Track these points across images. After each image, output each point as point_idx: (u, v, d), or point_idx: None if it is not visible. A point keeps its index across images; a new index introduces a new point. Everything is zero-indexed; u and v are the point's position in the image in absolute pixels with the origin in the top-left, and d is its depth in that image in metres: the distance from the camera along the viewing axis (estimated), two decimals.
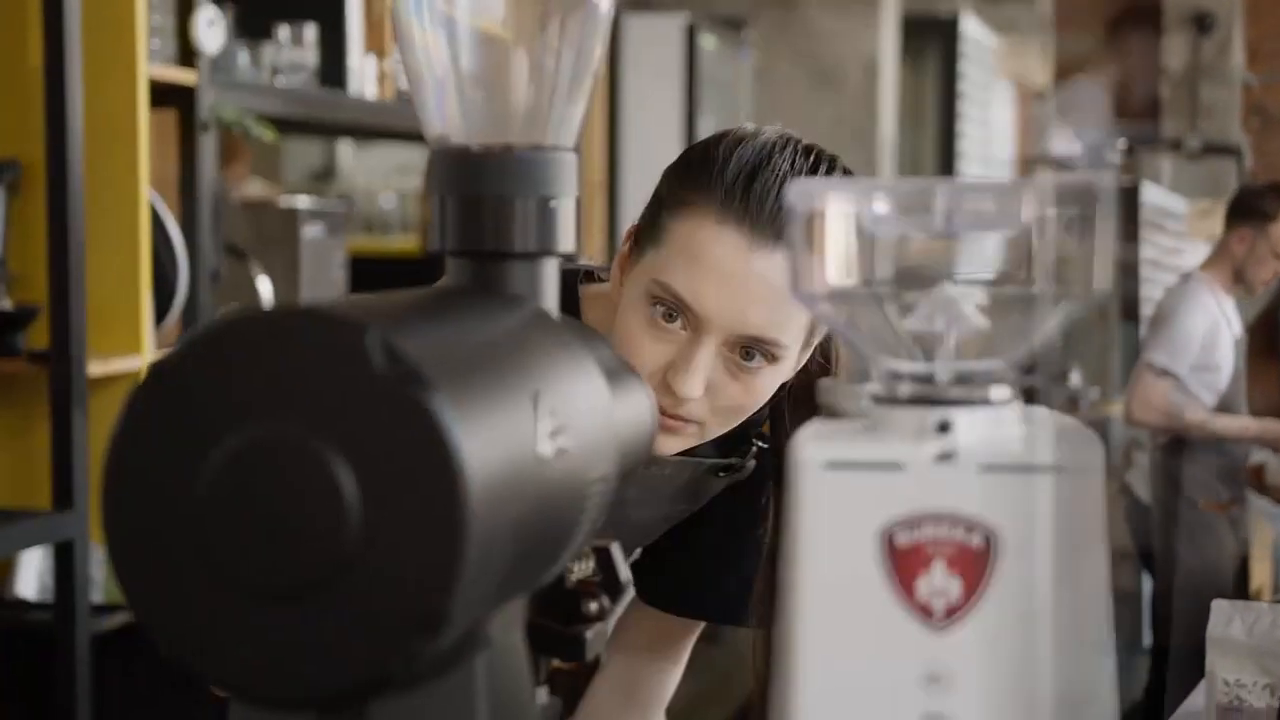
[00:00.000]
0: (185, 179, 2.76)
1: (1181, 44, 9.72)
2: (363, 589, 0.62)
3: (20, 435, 2.58)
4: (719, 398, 1.26)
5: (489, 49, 0.86)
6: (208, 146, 2.77)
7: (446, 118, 0.87)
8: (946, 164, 7.70)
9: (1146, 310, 7.51)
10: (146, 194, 2.59)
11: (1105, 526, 0.71)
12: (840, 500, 0.70)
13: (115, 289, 2.58)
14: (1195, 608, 4.47)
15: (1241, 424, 4.38)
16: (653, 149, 3.97)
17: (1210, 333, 4.24)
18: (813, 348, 1.32)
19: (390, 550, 0.62)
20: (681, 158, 1.30)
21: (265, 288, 3.05)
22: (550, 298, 0.87)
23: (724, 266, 1.22)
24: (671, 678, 1.56)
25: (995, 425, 0.73)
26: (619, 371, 0.89)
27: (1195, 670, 4.68)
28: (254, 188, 4.28)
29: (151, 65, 2.65)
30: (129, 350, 2.60)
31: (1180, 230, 8.17)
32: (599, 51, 0.88)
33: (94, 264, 2.53)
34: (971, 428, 0.72)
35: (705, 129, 5.73)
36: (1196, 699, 2.10)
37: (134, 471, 0.66)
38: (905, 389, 0.74)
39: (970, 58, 7.72)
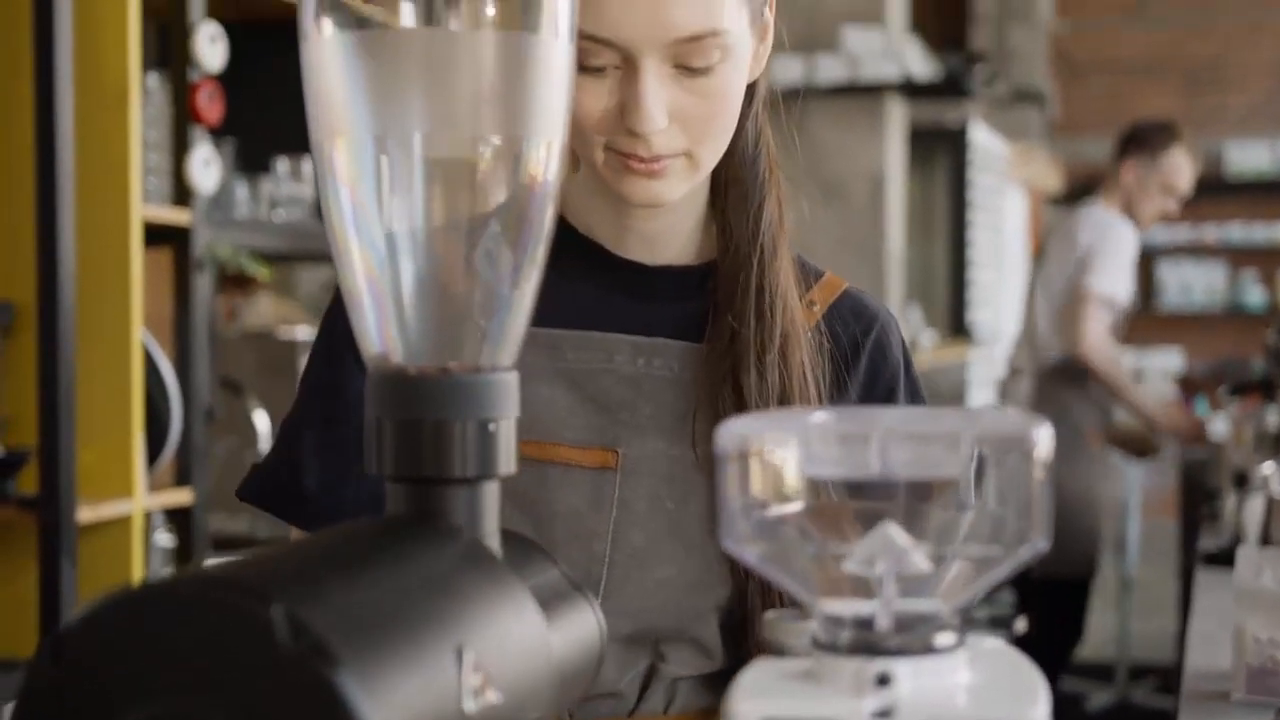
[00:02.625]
0: (180, 317, 2.76)
1: None
2: None
3: (8, 583, 2.55)
4: (688, 117, 1.14)
5: (428, 268, 0.84)
6: (203, 285, 2.76)
7: (385, 338, 0.85)
8: (958, 271, 7.70)
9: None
10: (139, 336, 2.59)
11: None
12: None
13: (107, 432, 2.57)
14: (1066, 538, 4.45)
15: (1152, 405, 4.50)
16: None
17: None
18: (770, 28, 1.23)
19: None
20: None
21: (262, 422, 3.04)
22: (490, 521, 0.84)
23: None
24: None
25: (939, 675, 0.70)
26: (562, 594, 0.86)
27: (1051, 602, 4.67)
28: (264, 305, 4.29)
29: (147, 206, 2.65)
30: (121, 494, 2.58)
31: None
32: (536, 273, 0.86)
33: (85, 407, 2.52)
34: (914, 678, 0.70)
35: None
36: (1215, 657, 1.88)
37: None
38: (845, 635, 0.71)
39: (980, 165, 7.74)
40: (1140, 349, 10.53)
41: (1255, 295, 10.35)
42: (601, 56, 1.11)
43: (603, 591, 1.18)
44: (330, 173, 0.84)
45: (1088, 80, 10.50)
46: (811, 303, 1.26)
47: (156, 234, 2.72)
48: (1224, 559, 2.73)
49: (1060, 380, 4.39)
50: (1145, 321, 10.53)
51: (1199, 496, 4.52)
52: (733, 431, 0.71)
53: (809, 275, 1.29)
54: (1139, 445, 4.84)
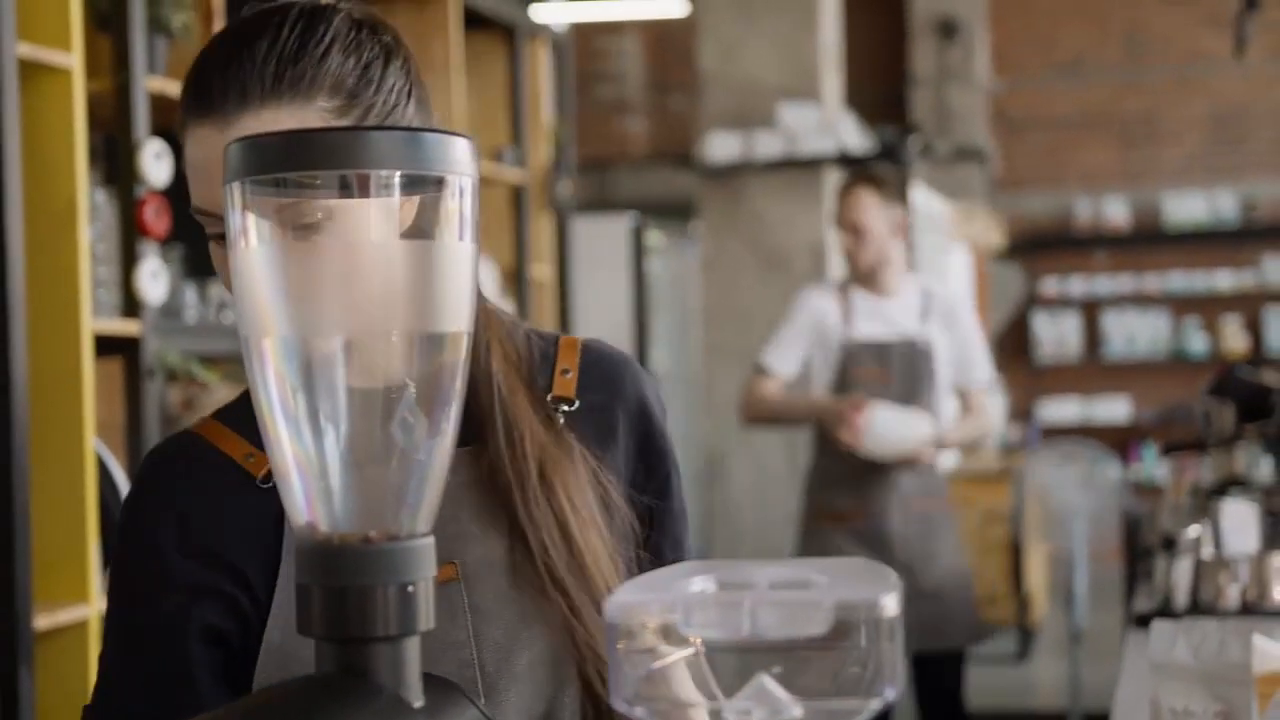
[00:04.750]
0: (132, 424, 2.83)
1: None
2: None
3: None
4: None
5: (349, 447, 0.93)
6: (153, 392, 2.84)
7: (311, 509, 0.94)
8: None
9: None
10: (92, 444, 2.66)
11: None
12: None
13: (61, 540, 2.63)
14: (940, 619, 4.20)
15: (814, 400, 4.14)
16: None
17: None
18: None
19: None
20: None
21: None
22: (412, 674, 0.93)
23: (201, 160, 1.19)
24: None
25: None
26: None
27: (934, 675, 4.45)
28: (219, 396, 4.34)
29: (97, 318, 2.73)
30: (76, 600, 2.64)
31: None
32: (449, 439, 0.95)
33: (39, 516, 2.59)
34: None
35: (655, 321, 5.84)
36: None
37: None
38: None
39: (922, 226, 7.89)
40: (1087, 398, 10.70)
41: (1198, 342, 10.54)
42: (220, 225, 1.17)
43: (482, 693, 1.26)
44: (259, 364, 0.93)
45: (1026, 136, 10.70)
46: (565, 370, 1.34)
47: (107, 344, 2.80)
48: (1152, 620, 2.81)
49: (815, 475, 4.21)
50: (1092, 371, 10.72)
51: (1138, 551, 4.58)
52: (618, 603, 0.80)
53: (548, 344, 1.36)
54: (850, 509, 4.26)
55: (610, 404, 1.34)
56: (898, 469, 4.04)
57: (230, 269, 0.94)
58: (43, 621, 2.55)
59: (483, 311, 1.30)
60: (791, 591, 0.81)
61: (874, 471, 4.01)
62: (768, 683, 0.81)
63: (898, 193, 4.11)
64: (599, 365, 1.36)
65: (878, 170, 4.26)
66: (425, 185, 0.92)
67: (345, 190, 0.92)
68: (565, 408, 1.31)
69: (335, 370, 0.91)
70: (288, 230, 0.92)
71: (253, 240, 0.91)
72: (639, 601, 0.81)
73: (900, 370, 4.09)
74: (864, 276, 4.14)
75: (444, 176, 0.92)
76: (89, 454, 2.64)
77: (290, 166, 0.91)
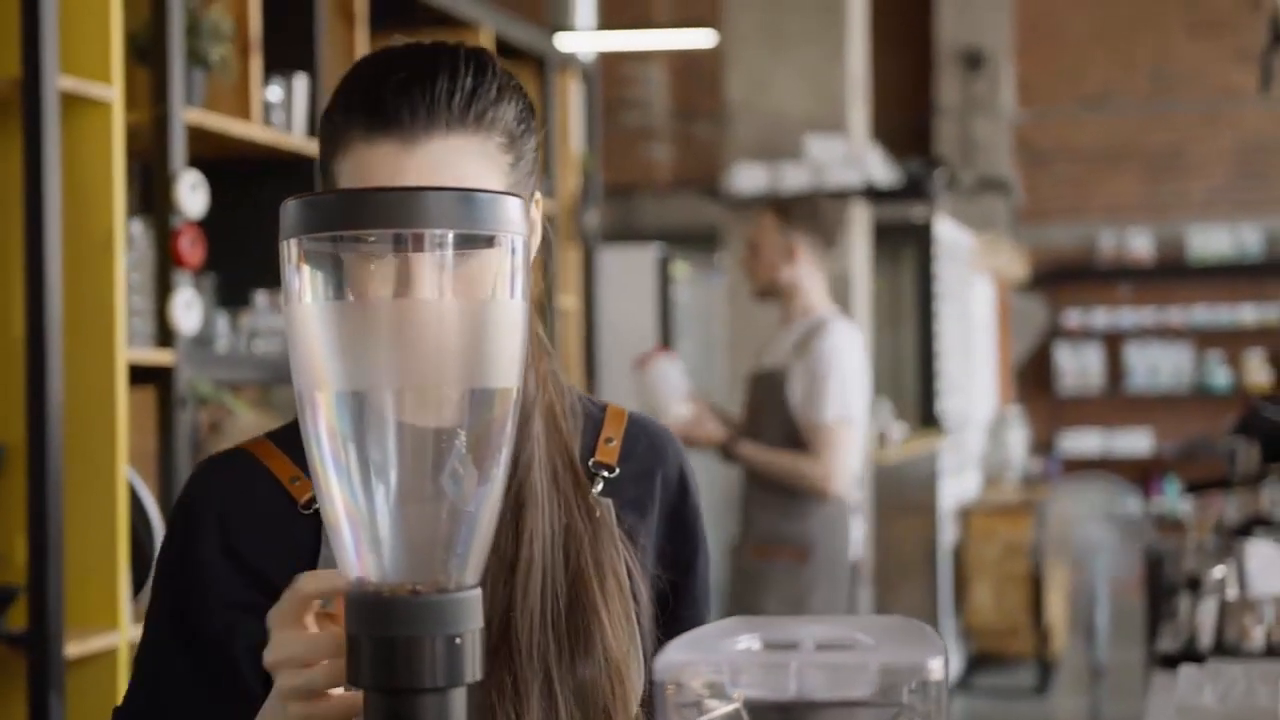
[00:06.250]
0: (164, 454, 2.86)
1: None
2: None
3: None
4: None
5: (399, 502, 0.95)
6: (184, 421, 2.87)
7: (361, 562, 0.95)
8: (925, 362, 7.82)
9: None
10: (125, 473, 2.68)
11: None
12: None
13: (93, 567, 2.65)
14: None
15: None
16: (630, 376, 4.07)
17: None
18: (538, 227, 1.28)
19: None
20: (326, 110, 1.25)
21: None
22: None
23: (383, 177, 1.17)
24: None
25: None
26: None
27: None
28: (244, 420, 4.36)
29: (131, 348, 2.76)
30: (107, 627, 2.66)
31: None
32: (498, 491, 0.97)
33: (72, 544, 2.61)
34: None
35: (680, 351, 5.86)
36: None
37: None
38: None
39: (946, 257, 7.90)
40: (1109, 430, 10.67)
41: (1221, 376, 10.51)
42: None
43: None
44: (312, 417, 0.94)
45: (1051, 168, 10.70)
46: (609, 439, 1.35)
47: (141, 374, 2.83)
48: (1178, 662, 2.81)
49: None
50: (1114, 403, 10.69)
51: (1160, 587, 4.55)
52: (667, 662, 0.82)
53: (596, 410, 1.38)
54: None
55: (649, 476, 1.36)
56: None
57: (285, 323, 0.95)
58: (74, 649, 2.57)
59: (545, 373, 1.31)
60: (838, 654, 0.82)
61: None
62: None
63: (804, 224, 4.11)
64: (642, 438, 1.37)
65: (795, 201, 4.29)
66: (477, 243, 0.94)
67: (400, 248, 0.93)
68: (605, 474, 1.33)
69: (387, 423, 0.92)
70: (343, 287, 0.94)
71: (307, 296, 0.93)
72: (687, 661, 0.82)
73: (751, 399, 4.11)
74: (760, 296, 4.22)
75: (495, 235, 0.94)
76: (122, 483, 2.66)
77: (347, 225, 0.93)
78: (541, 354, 1.32)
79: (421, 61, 1.21)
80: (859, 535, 4.20)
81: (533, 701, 1.23)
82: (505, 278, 0.94)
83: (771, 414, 3.99)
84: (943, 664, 0.80)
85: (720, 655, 0.82)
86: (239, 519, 1.28)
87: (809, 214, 4.13)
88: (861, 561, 4.49)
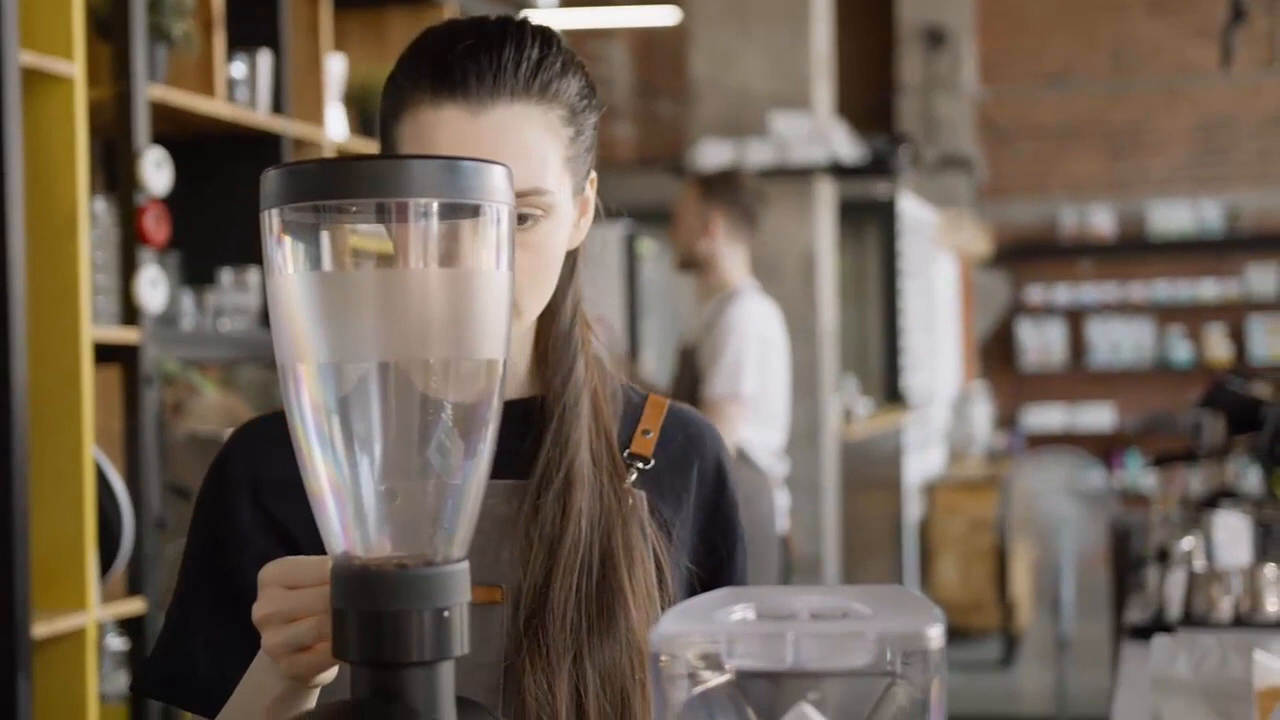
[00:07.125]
0: (130, 432, 2.83)
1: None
2: None
3: None
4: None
5: (384, 474, 0.93)
6: (150, 399, 2.84)
7: (347, 536, 0.94)
8: (890, 338, 7.84)
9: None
10: (91, 453, 2.66)
11: None
12: None
13: (60, 548, 2.63)
14: None
15: None
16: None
17: None
18: (591, 204, 1.31)
19: None
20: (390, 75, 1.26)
21: None
22: (446, 698, 0.93)
23: (449, 141, 1.19)
24: None
25: None
26: None
27: None
28: (208, 400, 4.33)
29: (96, 326, 2.73)
30: (74, 608, 2.64)
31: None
32: (485, 464, 0.96)
33: (38, 524, 2.58)
34: None
35: (647, 329, 5.85)
36: None
37: None
38: None
39: (909, 234, 7.92)
40: (1071, 405, 10.73)
41: (1182, 351, 10.58)
42: None
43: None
44: (294, 389, 0.93)
45: (1013, 145, 10.73)
46: (647, 430, 1.35)
47: (106, 352, 2.80)
48: (1148, 633, 2.82)
49: None
50: (1076, 378, 10.74)
51: (1127, 560, 4.58)
52: (662, 633, 0.81)
53: (638, 400, 1.38)
54: None
55: (686, 469, 1.36)
56: None
57: (266, 295, 0.94)
58: (41, 629, 2.55)
59: (592, 357, 1.32)
60: (834, 623, 0.82)
61: None
62: (809, 710, 0.81)
63: (723, 199, 4.12)
64: (680, 430, 1.37)
65: (716, 176, 4.29)
66: (462, 213, 0.92)
67: (383, 217, 0.92)
68: (640, 465, 1.33)
69: (370, 396, 0.91)
70: (324, 256, 0.92)
71: (289, 267, 0.92)
72: (682, 632, 0.82)
73: (677, 373, 4.18)
74: (681, 267, 4.24)
75: (480, 204, 0.93)
76: (88, 461, 2.63)
77: (328, 194, 0.91)
78: (589, 338, 1.33)
79: (489, 31, 1.23)
80: (782, 507, 4.20)
81: (563, 673, 1.23)
82: (490, 247, 0.92)
83: (688, 388, 4.04)
84: (940, 632, 0.79)
85: (716, 625, 0.82)
86: (270, 480, 1.29)
87: (728, 189, 4.14)
88: (790, 535, 4.50)
